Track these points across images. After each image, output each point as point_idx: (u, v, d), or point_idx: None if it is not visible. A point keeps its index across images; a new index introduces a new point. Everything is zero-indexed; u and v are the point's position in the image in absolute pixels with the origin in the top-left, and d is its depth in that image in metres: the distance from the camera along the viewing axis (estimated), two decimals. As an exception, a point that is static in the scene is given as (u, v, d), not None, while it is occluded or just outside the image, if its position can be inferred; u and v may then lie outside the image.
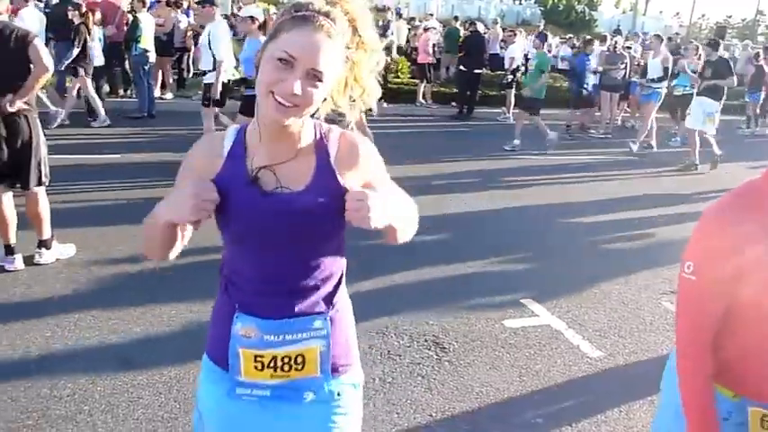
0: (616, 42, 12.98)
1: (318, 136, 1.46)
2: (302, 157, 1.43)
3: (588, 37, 14.00)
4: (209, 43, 7.28)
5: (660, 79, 10.81)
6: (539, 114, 10.38)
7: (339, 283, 1.54)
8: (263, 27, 6.85)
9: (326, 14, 1.30)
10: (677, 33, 26.37)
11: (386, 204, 1.36)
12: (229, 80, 7.29)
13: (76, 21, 9.03)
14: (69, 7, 9.62)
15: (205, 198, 1.34)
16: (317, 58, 1.28)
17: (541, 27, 19.49)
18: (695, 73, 10.56)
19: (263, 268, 1.45)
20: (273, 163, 1.41)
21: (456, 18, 17.32)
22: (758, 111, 14.39)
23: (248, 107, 6.65)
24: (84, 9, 9.42)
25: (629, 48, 13.60)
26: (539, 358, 3.82)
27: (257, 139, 1.42)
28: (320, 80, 1.30)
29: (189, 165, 1.49)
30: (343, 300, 1.56)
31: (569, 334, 4.14)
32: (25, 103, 4.23)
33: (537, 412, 3.31)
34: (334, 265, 1.52)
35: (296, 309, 1.45)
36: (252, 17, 6.79)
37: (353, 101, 1.44)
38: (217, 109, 7.42)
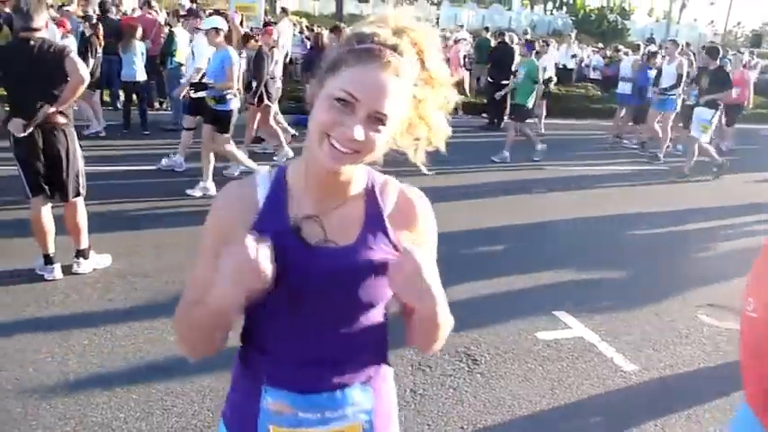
0: (650, 51, 12.82)
1: (370, 184, 1.30)
2: (350, 206, 1.27)
3: (653, 50, 13.48)
4: (193, 54, 7.42)
5: (673, 87, 10.52)
6: (524, 122, 10.15)
7: (384, 347, 1.38)
8: (228, 37, 6.81)
9: (394, 48, 1.12)
10: (712, 42, 25.97)
11: (435, 283, 1.18)
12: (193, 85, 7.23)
13: (87, 33, 9.32)
14: (80, 20, 9.88)
15: (262, 256, 1.12)
16: (382, 101, 1.11)
17: (573, 36, 19.35)
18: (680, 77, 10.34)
19: (300, 333, 1.26)
20: (319, 212, 1.24)
21: (486, 29, 17.32)
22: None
23: (224, 124, 6.70)
24: (94, 20, 9.69)
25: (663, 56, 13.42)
26: (571, 371, 3.77)
27: (302, 184, 1.25)
28: (384, 124, 1.13)
29: (216, 221, 1.28)
30: (385, 365, 1.40)
31: (603, 347, 4.09)
32: (62, 115, 4.35)
33: (569, 426, 3.27)
34: (380, 329, 1.34)
35: (336, 380, 1.27)
36: (216, 28, 6.67)
37: (417, 140, 1.26)
38: (196, 117, 7.43)
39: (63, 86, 4.24)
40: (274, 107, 8.71)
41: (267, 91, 8.38)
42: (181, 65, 10.17)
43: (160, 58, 10.55)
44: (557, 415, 3.36)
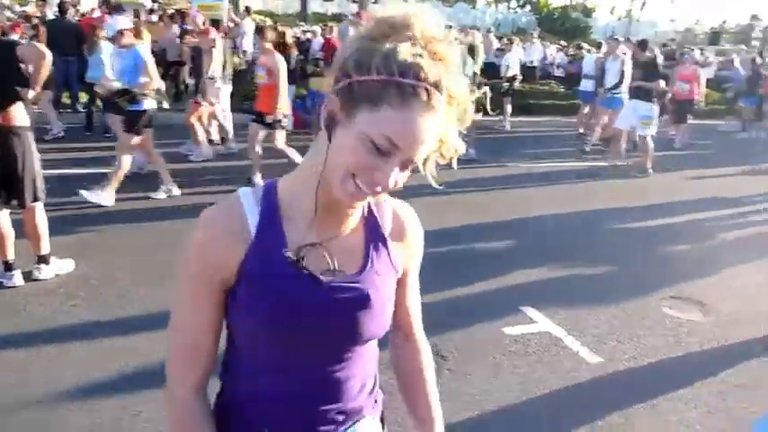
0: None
1: (367, 205, 1.22)
2: (352, 230, 1.18)
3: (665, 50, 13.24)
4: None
5: (617, 85, 10.31)
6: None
7: (377, 378, 1.33)
8: (137, 33, 6.56)
9: (436, 85, 1.00)
10: (673, 39, 26.52)
11: None
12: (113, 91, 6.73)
13: (29, 34, 9.21)
14: (22, 21, 9.73)
15: None
16: (421, 148, 1.03)
17: (535, 35, 19.59)
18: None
19: (305, 374, 1.16)
20: (322, 238, 1.13)
21: (450, 27, 17.41)
22: (753, 116, 14.43)
23: (133, 124, 6.31)
24: (34, 21, 9.53)
25: (624, 53, 13.60)
26: (539, 365, 3.82)
27: (301, 208, 1.13)
28: (412, 164, 1.06)
29: (202, 258, 1.11)
30: (380, 397, 1.36)
31: (569, 340, 4.15)
32: (27, 108, 4.31)
33: (538, 419, 3.31)
34: (375, 355, 1.30)
35: (341, 421, 1.21)
36: (120, 31, 6.45)
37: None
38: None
39: (19, 76, 4.24)
40: (208, 108, 8.54)
41: (203, 90, 8.28)
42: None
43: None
44: (524, 408, 3.40)
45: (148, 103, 6.44)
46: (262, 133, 7.11)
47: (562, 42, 22.91)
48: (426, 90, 0.99)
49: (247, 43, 13.83)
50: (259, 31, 7.68)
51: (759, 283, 5.45)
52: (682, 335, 4.37)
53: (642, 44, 10.03)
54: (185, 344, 1.16)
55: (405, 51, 0.99)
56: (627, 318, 4.56)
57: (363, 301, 1.15)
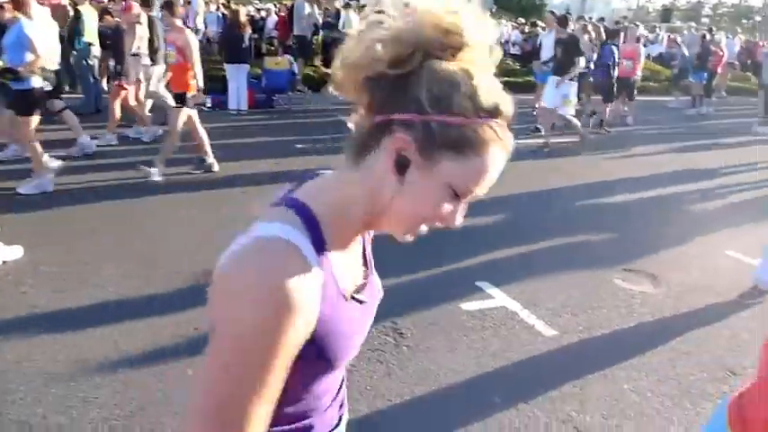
0: (609, 29, 12.93)
1: None
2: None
3: (613, 27, 13.12)
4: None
5: (552, 58, 10.14)
6: None
7: None
8: (18, 6, 5.95)
9: (508, 121, 0.98)
10: (625, 17, 26.90)
11: None
12: None
13: None
14: None
15: None
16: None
17: (489, 13, 19.70)
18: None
19: (332, 388, 1.14)
20: (354, 259, 1.10)
21: (406, 5, 17.32)
22: (702, 91, 14.74)
23: (24, 105, 5.91)
24: None
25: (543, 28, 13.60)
26: (495, 339, 3.88)
27: (343, 238, 1.04)
28: None
29: (289, 332, 0.88)
30: None
31: (524, 314, 4.22)
32: None
33: (495, 392, 3.36)
34: None
35: (339, 409, 1.22)
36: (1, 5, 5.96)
37: None
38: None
39: None
40: (132, 88, 8.19)
41: (126, 72, 8.01)
42: (90, 44, 9.77)
43: (68, 39, 10.08)
44: (481, 382, 3.45)
45: (36, 81, 5.90)
46: (188, 114, 6.77)
47: (520, 19, 23.07)
48: (508, 136, 0.97)
49: (199, 22, 13.55)
50: (167, 5, 6.93)
51: (707, 254, 5.61)
52: (634, 306, 4.48)
53: (562, 20, 9.78)
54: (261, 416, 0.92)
55: (485, 87, 0.93)
56: (580, 291, 4.65)
57: (377, 300, 1.17)
